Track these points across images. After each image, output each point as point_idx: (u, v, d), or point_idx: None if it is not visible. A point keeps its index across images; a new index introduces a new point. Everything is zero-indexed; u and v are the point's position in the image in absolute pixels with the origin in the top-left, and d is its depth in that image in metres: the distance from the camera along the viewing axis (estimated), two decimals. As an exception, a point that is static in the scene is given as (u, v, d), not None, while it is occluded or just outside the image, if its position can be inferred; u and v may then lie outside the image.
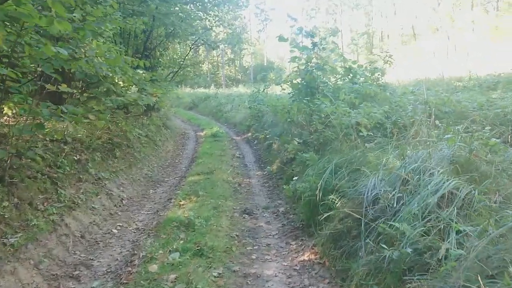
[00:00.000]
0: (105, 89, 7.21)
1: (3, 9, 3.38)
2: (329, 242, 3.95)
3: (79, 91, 7.79)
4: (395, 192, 3.36)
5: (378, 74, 7.37)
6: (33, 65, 5.33)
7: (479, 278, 2.14)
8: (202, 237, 4.53)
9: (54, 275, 3.92)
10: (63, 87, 5.44)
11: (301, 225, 5.06)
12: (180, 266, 3.89)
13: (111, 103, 6.50)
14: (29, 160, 5.19)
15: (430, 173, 3.36)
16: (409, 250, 2.62)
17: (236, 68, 57.39)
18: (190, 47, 13.96)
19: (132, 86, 7.99)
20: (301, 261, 4.18)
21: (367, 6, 62.76)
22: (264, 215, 5.90)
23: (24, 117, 5.44)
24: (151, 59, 13.47)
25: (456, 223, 2.75)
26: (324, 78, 7.00)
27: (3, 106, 5.25)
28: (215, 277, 3.75)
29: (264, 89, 12.43)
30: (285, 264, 4.20)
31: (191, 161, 10.40)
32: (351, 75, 6.96)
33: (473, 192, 3.08)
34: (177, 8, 9.48)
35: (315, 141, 6.12)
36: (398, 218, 3.01)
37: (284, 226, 5.34)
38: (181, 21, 10.96)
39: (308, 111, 6.48)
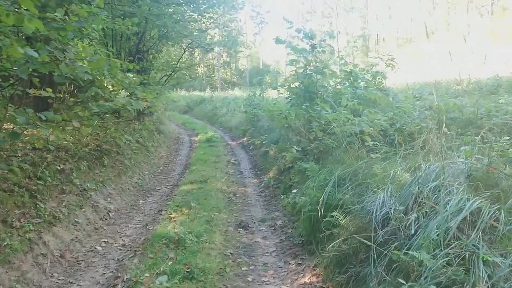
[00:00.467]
0: (92, 94, 6.81)
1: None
2: (333, 264, 3.57)
3: (66, 95, 7.40)
4: (409, 213, 2.98)
5: (379, 78, 7.02)
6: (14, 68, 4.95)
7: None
8: (193, 257, 4.14)
9: (26, 302, 3.52)
10: (45, 92, 5.08)
11: (300, 242, 4.68)
12: (168, 292, 3.50)
13: (97, 109, 6.09)
14: (6, 171, 4.79)
15: (448, 190, 2.99)
16: (432, 287, 2.24)
17: (232, 71, 57.06)
18: (184, 50, 13.58)
19: (121, 90, 7.60)
20: (302, 284, 3.80)
21: (362, 9, 62.74)
22: (261, 228, 5.52)
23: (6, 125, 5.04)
24: (144, 62, 13.08)
25: (483, 251, 2.38)
26: (323, 82, 6.63)
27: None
28: (206, 305, 3.37)
29: (260, 93, 12.04)
30: (284, 287, 3.82)
31: (184, 168, 10.00)
32: (352, 79, 6.60)
33: (497, 212, 2.72)
34: (170, 10, 9.08)
35: (314, 149, 5.75)
36: (414, 244, 2.64)
37: (282, 242, 4.96)
38: (175, 23, 10.58)
39: (307, 117, 6.11)
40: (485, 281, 2.22)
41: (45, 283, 3.87)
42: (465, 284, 2.28)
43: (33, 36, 4.59)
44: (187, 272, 3.81)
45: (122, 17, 7.34)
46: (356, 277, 3.19)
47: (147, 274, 3.79)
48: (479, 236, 2.55)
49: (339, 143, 5.07)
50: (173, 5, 9.74)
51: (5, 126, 5.27)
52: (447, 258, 2.40)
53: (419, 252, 2.45)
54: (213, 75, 52.70)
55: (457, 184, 3.04)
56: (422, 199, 3.02)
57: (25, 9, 3.21)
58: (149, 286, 3.58)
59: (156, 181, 8.65)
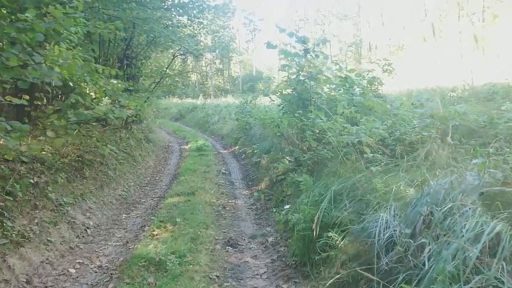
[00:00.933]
0: (72, 101, 6.40)
1: None
2: (330, 293, 3.17)
3: (44, 103, 6.98)
4: (417, 237, 2.61)
5: (376, 84, 6.69)
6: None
7: None
8: (175, 283, 3.72)
9: None
10: (18, 100, 4.67)
11: (294, 262, 4.27)
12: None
13: (74, 118, 5.68)
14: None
15: (461, 211, 2.62)
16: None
17: (225, 78, 56.80)
18: (173, 56, 13.21)
19: (105, 97, 7.19)
20: (295, 313, 3.40)
21: (355, 17, 62.97)
22: (251, 246, 5.10)
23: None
24: (133, 68, 12.68)
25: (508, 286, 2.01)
26: (317, 89, 6.28)
27: None
28: None
29: (251, 100, 11.68)
30: (276, 317, 3.42)
31: (172, 178, 9.57)
32: (347, 85, 6.26)
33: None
34: (157, 14, 8.71)
35: (308, 160, 5.37)
36: (427, 276, 2.25)
37: (274, 262, 4.55)
38: (164, 28, 10.22)
39: (300, 126, 5.74)
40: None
41: (5, 315, 3.43)
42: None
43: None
44: (166, 301, 3.40)
45: (108, 21, 6.93)
46: (357, 310, 2.81)
47: (121, 304, 3.36)
48: (502, 267, 2.18)
49: (335, 154, 4.70)
50: (161, 9, 9.36)
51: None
52: (467, 297, 2.02)
53: (434, 288, 2.07)
54: (206, 82, 52.43)
55: (471, 203, 2.68)
56: (432, 221, 2.64)
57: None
58: (122, 319, 3.15)
59: (142, 193, 8.20)
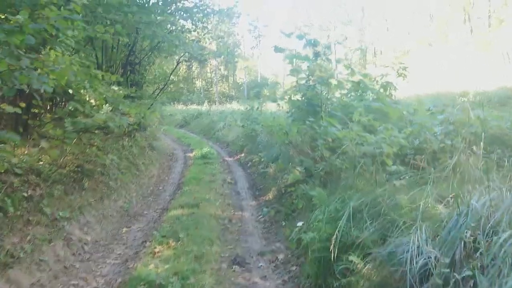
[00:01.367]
0: (70, 109, 6.09)
1: None
2: (352, 326, 2.79)
3: (42, 111, 6.67)
4: (457, 266, 2.22)
5: (390, 89, 6.31)
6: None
7: None
8: (176, 311, 3.35)
9: None
10: (11, 108, 4.37)
11: (308, 285, 3.89)
12: None
13: (71, 126, 5.36)
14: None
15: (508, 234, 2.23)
16: None
17: (230, 84, 56.66)
18: (177, 62, 12.93)
19: (105, 104, 6.86)
20: None
21: (359, 22, 62.76)
22: (260, 265, 4.71)
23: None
24: (136, 74, 12.41)
25: None
26: (329, 94, 5.92)
27: None
28: None
29: (258, 107, 11.34)
30: None
31: (176, 188, 9.22)
32: (360, 90, 5.89)
33: None
34: (159, 18, 8.42)
35: (320, 171, 4.99)
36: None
37: (285, 283, 4.16)
38: (168, 33, 9.93)
39: (311, 134, 5.37)
40: None
41: None
42: None
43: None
44: (166, 334, 3.02)
45: (109, 26, 6.63)
46: None
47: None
48: None
49: (351, 165, 4.32)
50: (165, 13, 9.07)
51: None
52: None
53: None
54: (211, 88, 52.29)
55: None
56: (474, 249, 2.26)
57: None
58: None
59: (144, 204, 7.85)
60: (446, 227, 2.58)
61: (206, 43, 15.26)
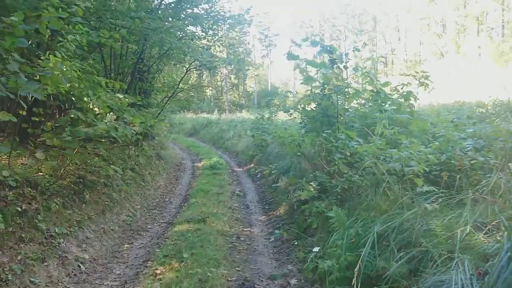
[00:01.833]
0: (71, 117, 5.78)
1: None
2: None
3: (42, 119, 6.37)
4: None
5: (411, 99, 5.88)
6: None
7: None
8: None
9: None
10: (3, 115, 4.05)
11: (324, 319, 3.46)
12: None
13: (69, 136, 5.04)
14: None
15: None
16: None
17: (240, 93, 56.61)
18: (187, 69, 12.66)
19: (108, 113, 6.54)
20: None
21: (371, 32, 62.39)
22: (270, 291, 4.30)
23: None
24: (145, 82, 12.15)
25: None
26: (345, 104, 5.53)
27: None
28: None
29: (269, 117, 10.97)
30: None
31: (183, 200, 8.86)
32: (380, 100, 5.47)
33: None
34: (167, 23, 8.13)
35: (337, 188, 4.58)
36: None
37: (298, 315, 3.75)
38: (177, 40, 9.65)
39: (327, 147, 4.97)
40: None
41: None
42: None
43: None
44: None
45: (114, 31, 6.34)
46: None
47: None
48: None
49: (373, 183, 3.90)
50: (174, 19, 8.79)
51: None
52: None
53: None
54: (221, 97, 52.28)
55: None
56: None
57: None
58: None
59: (149, 217, 7.48)
60: (496, 265, 2.15)
61: (216, 51, 15.00)
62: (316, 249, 3.80)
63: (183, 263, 4.61)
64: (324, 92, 5.69)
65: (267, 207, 8.08)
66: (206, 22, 10.16)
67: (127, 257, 5.36)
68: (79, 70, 5.18)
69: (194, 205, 7.73)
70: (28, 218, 4.65)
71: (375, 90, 5.42)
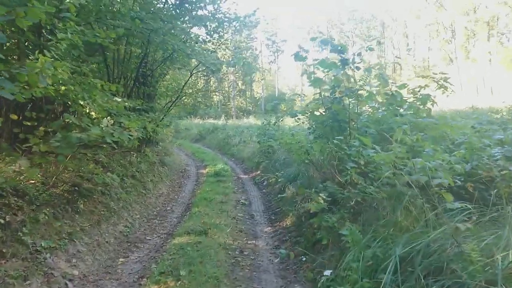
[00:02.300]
0: (64, 121, 5.42)
1: None
2: None
3: (35, 123, 6.01)
4: None
5: (429, 103, 5.43)
6: None
7: None
8: None
9: None
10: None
11: None
12: None
13: (57, 142, 4.66)
14: None
15: None
16: None
17: (247, 99, 56.37)
18: (191, 73, 12.31)
19: (105, 117, 6.18)
20: None
21: (379, 38, 61.85)
22: (275, 315, 3.87)
23: None
24: (148, 86, 11.81)
25: None
26: (357, 109, 5.10)
27: None
28: None
29: (275, 122, 10.55)
30: None
31: (185, 209, 8.45)
32: (395, 104, 5.03)
33: None
34: (169, 25, 7.78)
35: (349, 200, 4.14)
36: None
37: None
38: (180, 41, 9.31)
39: (339, 155, 4.53)
40: None
41: None
42: None
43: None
44: None
45: (111, 31, 5.99)
46: None
47: None
48: None
49: (392, 197, 3.46)
50: (176, 20, 8.44)
51: None
52: None
53: None
54: (228, 103, 52.08)
55: None
56: None
57: None
58: None
59: (148, 228, 7.08)
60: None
61: (222, 54, 14.67)
62: (327, 272, 3.36)
63: (179, 282, 4.20)
64: (335, 95, 5.27)
65: (273, 218, 7.64)
66: (210, 24, 9.80)
67: (120, 273, 4.95)
68: (72, 72, 4.81)
69: (196, 215, 7.32)
70: (11, 230, 4.28)
71: (389, 93, 4.98)
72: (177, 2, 9.50)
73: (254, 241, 6.18)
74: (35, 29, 5.69)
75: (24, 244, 4.29)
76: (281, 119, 10.18)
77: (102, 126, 5.73)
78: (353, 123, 4.98)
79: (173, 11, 8.76)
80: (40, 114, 6.21)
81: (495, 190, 3.48)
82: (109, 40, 5.73)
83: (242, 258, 5.32)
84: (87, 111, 6.45)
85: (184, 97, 12.37)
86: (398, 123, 4.28)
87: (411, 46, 59.88)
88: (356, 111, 5.12)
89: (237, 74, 49.77)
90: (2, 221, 4.23)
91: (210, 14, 10.14)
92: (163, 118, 10.49)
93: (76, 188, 6.18)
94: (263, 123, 13.08)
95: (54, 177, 5.77)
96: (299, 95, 6.08)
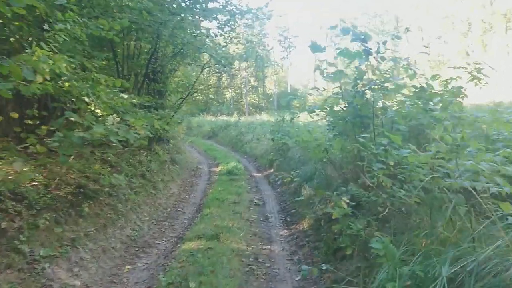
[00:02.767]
0: (64, 119, 5.08)
1: None
2: None
3: (36, 122, 5.70)
4: None
5: (461, 97, 4.94)
6: None
7: None
8: None
9: None
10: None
11: None
12: None
13: (56, 142, 4.33)
14: None
15: None
16: None
17: (259, 95, 55.88)
18: (202, 68, 11.92)
19: (111, 115, 5.82)
20: None
21: (393, 32, 60.74)
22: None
23: None
24: (159, 82, 11.47)
25: None
26: (383, 103, 4.64)
27: None
28: None
29: (292, 119, 10.11)
30: None
31: (197, 210, 8.10)
32: (425, 98, 4.55)
33: None
34: (177, 17, 7.40)
35: (377, 205, 3.70)
36: None
37: None
38: (190, 34, 8.94)
39: (364, 154, 4.08)
40: None
41: None
42: None
43: None
44: None
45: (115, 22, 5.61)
46: None
47: None
48: None
49: (429, 203, 3.01)
50: (185, 11, 8.05)
51: None
52: None
53: None
54: (241, 99, 51.68)
55: None
56: None
57: None
58: None
59: (158, 231, 6.74)
60: None
61: (233, 49, 14.25)
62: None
63: (188, 295, 3.82)
64: (356, 88, 4.82)
65: (288, 219, 7.23)
66: (221, 16, 9.39)
67: (126, 283, 4.60)
68: (74, 67, 4.47)
69: (208, 217, 6.95)
70: (7, 239, 3.95)
71: (418, 86, 4.51)
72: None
73: (269, 246, 5.78)
74: (37, 23, 5.39)
75: (20, 253, 3.96)
76: (298, 115, 9.71)
77: (108, 124, 5.39)
78: (378, 118, 4.53)
79: (182, 3, 8.36)
80: (43, 112, 5.91)
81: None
82: (114, 32, 5.36)
83: (257, 266, 4.92)
84: (92, 108, 6.12)
85: (195, 94, 11.95)
86: (436, 118, 3.81)
87: (426, 40, 58.62)
88: (381, 105, 4.66)
89: (249, 70, 49.30)
90: (-3, 228, 3.90)
91: (221, 7, 9.74)
92: (173, 116, 10.11)
93: (81, 190, 5.85)
94: (277, 119, 12.64)
95: (57, 178, 5.44)
96: (316, 88, 5.61)
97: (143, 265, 5.17)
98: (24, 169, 5.52)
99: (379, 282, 2.62)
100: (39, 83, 4.09)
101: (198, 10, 8.90)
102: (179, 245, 5.80)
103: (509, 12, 40.19)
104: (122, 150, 8.65)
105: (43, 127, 5.44)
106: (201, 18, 9.08)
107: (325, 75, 5.13)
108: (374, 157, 3.76)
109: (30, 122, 5.57)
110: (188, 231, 6.40)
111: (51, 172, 5.79)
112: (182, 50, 10.33)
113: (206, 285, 4.04)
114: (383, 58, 4.53)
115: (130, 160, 8.85)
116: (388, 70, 4.59)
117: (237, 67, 41.92)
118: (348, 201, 4.15)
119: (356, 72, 4.64)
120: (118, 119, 5.96)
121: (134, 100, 6.79)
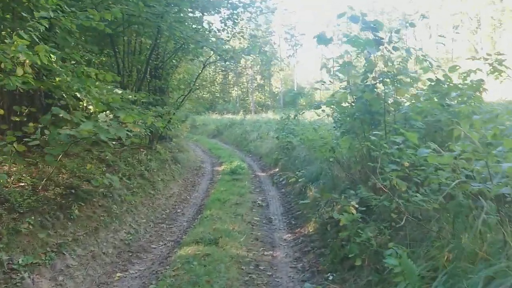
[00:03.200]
0: (52, 116, 4.74)
1: None
2: None
3: (24, 118, 5.36)
4: None
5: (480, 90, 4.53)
6: None
7: None
8: None
9: None
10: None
11: None
12: None
13: (36, 140, 3.98)
14: None
15: None
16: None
17: (266, 94, 55.49)
18: (204, 64, 11.56)
19: (104, 111, 5.47)
20: None
21: (401, 28, 59.91)
22: None
23: None
24: (160, 79, 11.14)
25: None
26: (395, 98, 4.24)
27: None
28: None
29: (295, 116, 9.71)
30: None
31: (197, 212, 7.75)
32: (443, 91, 4.15)
33: None
34: (176, 8, 7.04)
35: (390, 211, 3.30)
36: None
37: None
38: (190, 29, 8.57)
39: (375, 154, 3.68)
40: None
41: None
42: None
43: None
44: None
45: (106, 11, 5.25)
46: None
47: None
48: None
49: (452, 211, 2.62)
50: (183, 3, 7.68)
51: None
52: None
53: None
54: (247, 98, 51.34)
55: None
56: None
57: None
58: None
59: (155, 234, 6.39)
60: None
61: (237, 44, 13.88)
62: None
63: (180, 310, 3.45)
64: (366, 82, 4.42)
65: (293, 222, 6.84)
66: (224, 9, 9.02)
67: (116, 293, 4.25)
68: (54, 58, 4.11)
69: (208, 219, 6.59)
70: (-18, 246, 3.61)
71: (435, 79, 4.10)
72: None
73: (271, 252, 5.39)
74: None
75: (-3, 261, 3.62)
76: (302, 112, 9.31)
77: (99, 121, 5.04)
78: (391, 114, 4.13)
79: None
80: (32, 108, 5.58)
81: None
82: (105, 23, 5.01)
83: (257, 275, 4.53)
84: (85, 104, 5.79)
85: (197, 90, 11.60)
86: (458, 113, 3.40)
87: (434, 37, 57.82)
88: (393, 100, 4.26)
89: (256, 69, 48.92)
90: (-29, 235, 3.57)
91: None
92: (175, 113, 9.76)
93: (73, 190, 5.52)
94: (282, 117, 12.25)
95: (45, 179, 5.10)
96: (323, 82, 5.20)
97: (136, 273, 4.81)
98: (13, 169, 5.25)
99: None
100: (19, 76, 3.76)
101: (198, 2, 8.52)
102: (175, 250, 5.44)
103: (519, 10, 39.39)
104: (120, 149, 8.33)
105: (30, 124, 5.11)
106: (204, 13, 8.70)
107: (331, 73, 4.76)
108: (387, 157, 3.36)
109: (17, 119, 5.23)
110: (186, 235, 6.04)
111: (42, 172, 5.47)
112: (183, 45, 9.98)
113: (201, 297, 3.67)
114: (395, 48, 4.12)
115: (129, 159, 8.53)
116: (401, 61, 4.16)
117: (243, 65, 41.55)
118: (357, 205, 3.75)
119: (366, 64, 4.24)
120: (112, 116, 5.62)
121: (130, 96, 6.46)
